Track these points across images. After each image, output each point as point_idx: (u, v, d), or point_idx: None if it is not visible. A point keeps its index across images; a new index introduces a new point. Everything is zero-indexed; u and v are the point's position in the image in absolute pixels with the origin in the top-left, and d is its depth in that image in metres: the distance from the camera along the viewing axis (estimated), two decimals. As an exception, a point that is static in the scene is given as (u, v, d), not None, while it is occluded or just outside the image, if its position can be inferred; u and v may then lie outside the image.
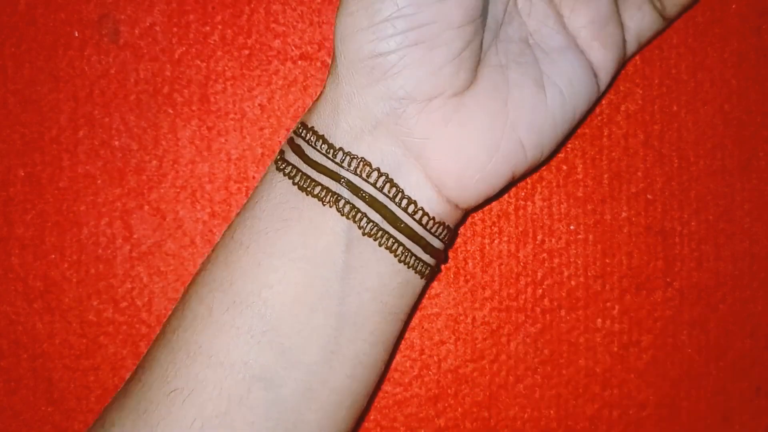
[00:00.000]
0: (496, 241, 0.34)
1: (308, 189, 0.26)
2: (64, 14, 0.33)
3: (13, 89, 0.33)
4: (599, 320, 0.34)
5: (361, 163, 0.26)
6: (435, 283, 0.34)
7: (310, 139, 0.27)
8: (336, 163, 0.26)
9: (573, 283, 0.34)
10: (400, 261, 0.27)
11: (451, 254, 0.34)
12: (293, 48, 0.34)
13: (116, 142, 0.33)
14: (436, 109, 0.26)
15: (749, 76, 0.34)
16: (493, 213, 0.34)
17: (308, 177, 0.26)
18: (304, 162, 0.26)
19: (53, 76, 0.33)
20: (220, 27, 0.33)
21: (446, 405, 0.34)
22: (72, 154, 0.33)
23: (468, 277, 0.34)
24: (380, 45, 0.25)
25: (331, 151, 0.26)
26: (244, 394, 0.25)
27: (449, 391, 0.34)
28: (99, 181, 0.33)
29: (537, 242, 0.34)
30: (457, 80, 0.26)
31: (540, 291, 0.34)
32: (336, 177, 0.26)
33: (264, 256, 0.26)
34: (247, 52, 0.34)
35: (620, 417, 0.34)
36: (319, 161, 0.26)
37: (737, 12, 0.34)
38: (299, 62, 0.34)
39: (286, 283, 0.26)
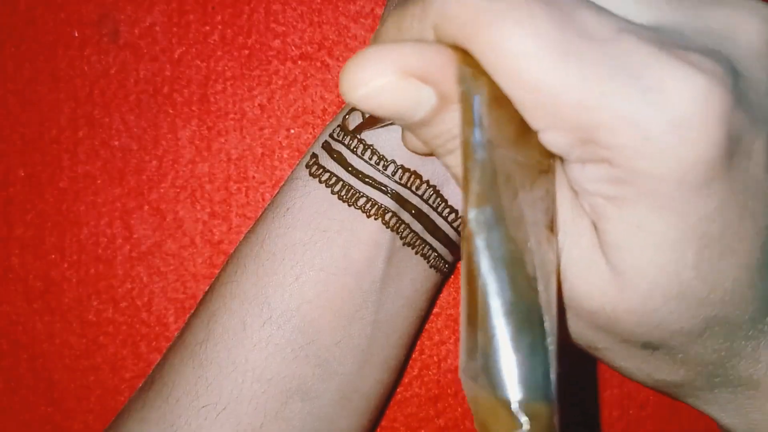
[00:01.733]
0: (496, 241, 0.34)
1: (351, 200, 0.25)
2: (64, 14, 0.33)
3: (13, 89, 0.33)
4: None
5: (413, 176, 0.25)
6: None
7: (355, 147, 0.25)
8: (386, 176, 0.25)
9: (573, 283, 0.34)
10: (431, 266, 0.26)
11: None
12: (293, 48, 0.34)
13: (116, 142, 0.33)
14: None
15: (749, 76, 0.34)
16: (493, 213, 0.34)
17: (351, 187, 0.25)
18: (347, 171, 0.25)
19: (53, 76, 0.33)
20: (220, 27, 0.33)
21: (446, 405, 0.34)
22: (72, 154, 0.33)
23: (468, 277, 0.34)
24: None
25: (382, 162, 0.25)
26: (281, 407, 0.25)
27: (449, 391, 0.34)
28: (99, 181, 0.33)
29: (537, 242, 0.34)
30: None
31: (540, 291, 0.34)
32: (383, 189, 0.25)
33: (302, 270, 0.25)
34: (247, 52, 0.34)
35: (620, 417, 0.34)
36: (364, 171, 0.25)
37: (737, 12, 0.34)
38: (299, 62, 0.34)
39: (325, 297, 0.25)
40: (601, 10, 0.15)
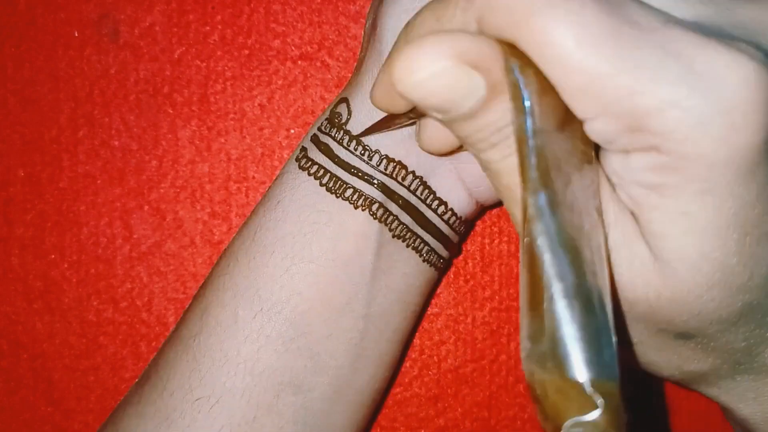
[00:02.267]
0: (496, 241, 0.34)
1: (339, 192, 0.25)
2: (64, 14, 0.33)
3: (13, 89, 0.33)
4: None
5: (398, 167, 0.25)
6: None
7: (341, 139, 0.26)
8: (371, 166, 0.25)
9: (573, 283, 0.34)
10: (424, 261, 0.26)
11: (451, 254, 0.34)
12: (293, 48, 0.34)
13: (116, 142, 0.33)
14: None
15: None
16: (493, 213, 0.34)
17: (338, 178, 0.25)
18: (334, 162, 0.25)
19: (53, 76, 0.33)
20: (220, 27, 0.33)
21: (446, 405, 0.34)
22: (72, 154, 0.33)
23: (468, 277, 0.34)
24: None
25: (367, 153, 0.25)
26: (273, 400, 0.25)
27: (449, 391, 0.34)
28: (99, 181, 0.33)
29: (537, 242, 0.34)
30: None
31: (540, 291, 0.34)
32: (369, 180, 0.25)
33: (292, 261, 0.25)
34: (247, 52, 0.34)
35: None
36: (351, 162, 0.25)
37: (737, 12, 0.34)
38: (299, 62, 0.34)
39: (315, 288, 0.25)
40: (645, 5, 0.16)
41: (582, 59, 0.15)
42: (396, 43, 0.19)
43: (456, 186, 0.26)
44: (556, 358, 0.15)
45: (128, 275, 0.34)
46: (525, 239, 0.16)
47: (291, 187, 0.26)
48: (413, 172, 0.25)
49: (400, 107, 0.21)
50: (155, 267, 0.34)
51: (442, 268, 0.28)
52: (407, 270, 0.26)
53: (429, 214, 0.26)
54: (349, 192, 0.25)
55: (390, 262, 0.26)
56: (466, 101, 0.17)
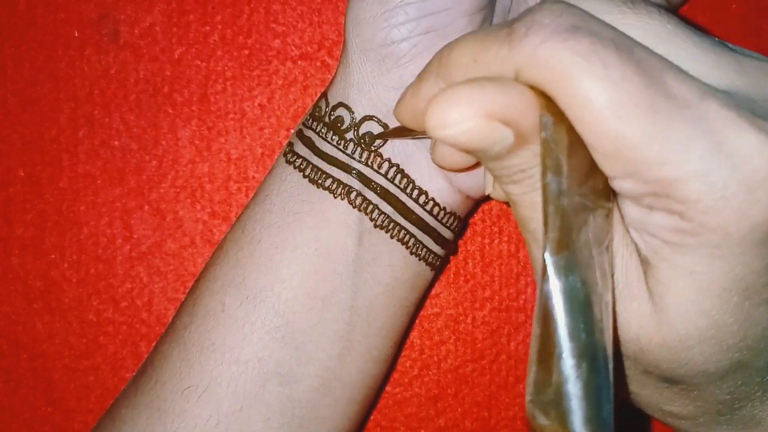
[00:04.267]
0: (496, 241, 0.34)
1: (319, 181, 0.26)
2: (64, 14, 0.33)
3: (13, 89, 0.33)
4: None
5: (372, 154, 0.26)
6: (435, 283, 0.34)
7: (320, 130, 0.26)
8: (347, 155, 0.26)
9: (573, 283, 0.34)
10: (411, 253, 0.26)
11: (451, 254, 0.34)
12: (293, 48, 0.34)
13: (116, 142, 0.33)
14: None
15: (749, 76, 0.34)
16: (493, 213, 0.34)
17: (319, 169, 0.26)
18: (315, 154, 0.26)
19: (53, 76, 0.33)
20: (220, 27, 0.33)
21: (446, 405, 0.34)
22: (72, 154, 0.33)
23: (468, 277, 0.34)
24: (393, 32, 0.24)
25: (342, 142, 0.26)
26: (259, 390, 0.25)
27: (449, 391, 0.34)
28: (99, 181, 0.33)
29: (537, 242, 0.34)
30: None
31: (540, 291, 0.34)
32: (347, 168, 0.26)
33: (276, 250, 0.26)
34: (247, 52, 0.34)
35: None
36: (329, 153, 0.26)
37: (737, 12, 0.34)
38: (299, 62, 0.34)
39: (299, 277, 0.25)
40: (683, 73, 0.16)
41: (618, 126, 0.16)
42: (429, 66, 0.20)
43: (435, 174, 0.26)
44: (559, 409, 0.16)
45: (128, 275, 0.34)
46: (542, 293, 0.17)
47: (278, 180, 0.27)
48: (389, 160, 0.26)
49: (421, 127, 0.21)
50: (155, 267, 0.34)
51: (435, 264, 0.28)
52: (393, 262, 0.26)
53: (410, 203, 0.26)
54: (328, 182, 0.26)
55: (374, 252, 0.26)
56: (492, 149, 0.17)
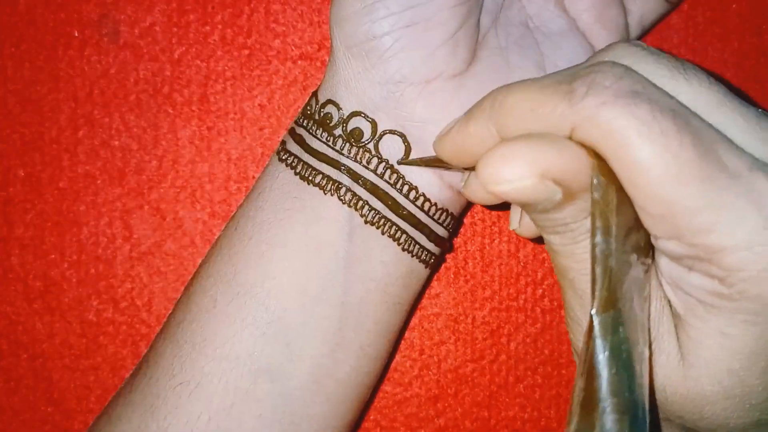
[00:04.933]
0: (496, 241, 0.34)
1: (309, 178, 0.26)
2: (64, 14, 0.33)
3: (13, 89, 0.33)
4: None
5: (361, 150, 0.26)
6: (435, 283, 0.34)
7: (311, 127, 0.27)
8: (336, 151, 0.26)
9: (573, 283, 0.34)
10: (403, 249, 0.26)
11: (451, 254, 0.34)
12: (293, 48, 0.34)
13: (116, 142, 0.33)
14: (435, 92, 0.25)
15: (749, 76, 0.34)
16: (493, 213, 0.34)
17: (309, 166, 0.26)
18: (305, 151, 0.26)
19: (53, 76, 0.33)
20: (220, 27, 0.33)
21: (446, 405, 0.34)
22: (72, 154, 0.33)
23: (468, 277, 0.34)
24: (374, 27, 0.24)
25: (331, 138, 0.26)
26: (250, 386, 0.25)
27: (449, 391, 0.34)
28: (99, 181, 0.33)
29: (537, 242, 0.34)
30: (454, 61, 0.25)
31: (540, 291, 0.34)
32: (336, 165, 0.26)
33: (267, 246, 0.26)
34: (247, 52, 0.34)
35: (620, 417, 0.34)
36: (319, 150, 0.26)
37: (737, 12, 0.34)
38: (299, 62, 0.34)
39: (289, 273, 0.25)
40: (734, 145, 0.17)
41: (672, 192, 0.16)
42: (480, 105, 0.20)
43: (424, 170, 0.26)
44: None
45: (128, 275, 0.34)
46: (586, 349, 0.17)
47: (270, 178, 0.27)
48: (378, 156, 0.26)
49: (462, 164, 0.22)
50: (155, 267, 0.34)
51: (429, 262, 0.27)
52: (385, 258, 0.26)
53: (401, 199, 0.26)
54: (318, 178, 0.26)
55: (365, 249, 0.26)
56: (540, 204, 0.18)
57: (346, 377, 0.26)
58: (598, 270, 0.17)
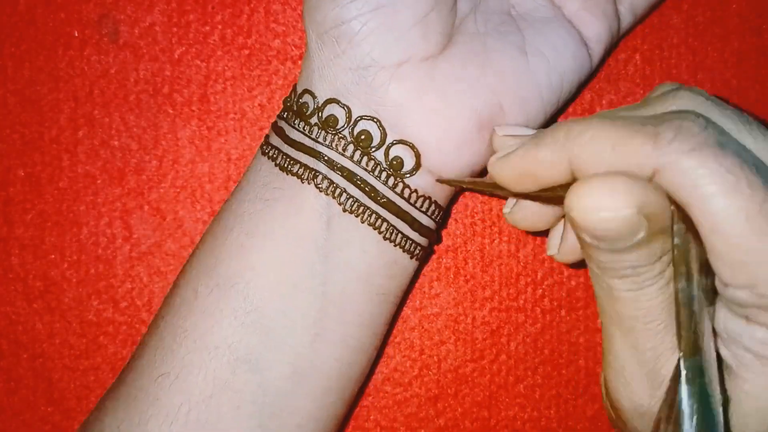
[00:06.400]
0: (496, 241, 0.34)
1: (288, 168, 0.26)
2: (64, 14, 0.33)
3: (13, 89, 0.33)
4: (599, 320, 0.34)
5: (336, 137, 0.26)
6: (435, 283, 0.34)
7: (289, 118, 0.27)
8: (312, 140, 0.26)
9: (573, 283, 0.34)
10: (385, 238, 0.26)
11: (451, 254, 0.34)
12: (293, 48, 0.34)
13: (116, 142, 0.33)
14: (407, 76, 0.25)
15: (749, 76, 0.34)
16: (493, 213, 0.34)
17: (288, 156, 0.26)
18: (285, 142, 0.26)
19: (53, 76, 0.33)
20: (220, 27, 0.33)
21: (446, 405, 0.34)
22: (72, 154, 0.33)
23: (468, 277, 0.34)
24: (342, 12, 0.24)
25: (308, 127, 0.26)
26: (229, 377, 0.25)
27: (449, 391, 0.34)
28: (99, 181, 0.34)
29: (537, 242, 0.34)
30: (426, 44, 0.25)
31: (540, 291, 0.34)
32: (314, 154, 0.26)
33: (246, 237, 0.26)
34: (247, 52, 0.34)
35: (620, 417, 0.34)
36: (297, 140, 0.26)
37: (737, 12, 0.34)
38: (299, 62, 0.34)
39: (268, 263, 0.25)
40: None
41: (755, 243, 0.17)
42: (552, 135, 0.20)
43: (406, 155, 0.26)
44: None
45: (128, 275, 0.34)
46: (674, 395, 0.18)
47: (254, 171, 0.27)
48: (354, 142, 0.26)
49: (521, 189, 0.22)
50: (155, 267, 0.34)
51: (414, 252, 0.27)
52: (366, 248, 0.26)
53: (379, 186, 0.26)
54: (296, 167, 0.26)
55: (344, 237, 0.26)
56: (621, 241, 0.18)
57: (329, 369, 0.26)
58: (684, 315, 0.18)
